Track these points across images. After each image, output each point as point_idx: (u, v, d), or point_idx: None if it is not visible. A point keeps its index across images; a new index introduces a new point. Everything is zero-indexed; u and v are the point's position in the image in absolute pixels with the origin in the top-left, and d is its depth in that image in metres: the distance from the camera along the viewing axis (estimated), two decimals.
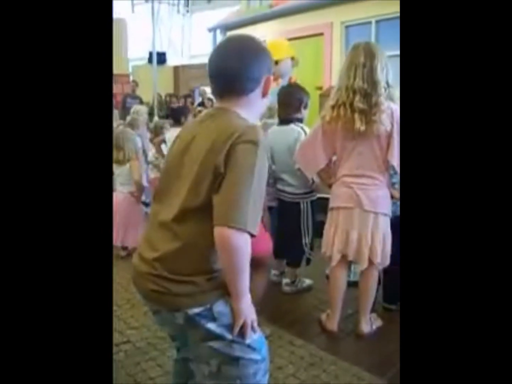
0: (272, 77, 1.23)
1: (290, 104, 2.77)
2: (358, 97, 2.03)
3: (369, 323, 2.36)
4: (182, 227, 1.11)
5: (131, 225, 3.57)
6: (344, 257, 2.27)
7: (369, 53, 2.06)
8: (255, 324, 1.17)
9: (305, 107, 2.81)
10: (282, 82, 3.72)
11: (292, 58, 3.78)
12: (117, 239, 3.60)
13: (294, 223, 2.80)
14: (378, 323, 2.40)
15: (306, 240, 2.81)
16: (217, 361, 1.16)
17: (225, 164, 1.06)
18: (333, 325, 2.39)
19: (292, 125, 2.73)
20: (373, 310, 2.41)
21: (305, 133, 2.64)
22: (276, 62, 3.66)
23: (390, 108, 2.05)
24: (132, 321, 2.55)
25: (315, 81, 5.62)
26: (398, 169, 2.07)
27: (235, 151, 1.06)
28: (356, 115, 2.03)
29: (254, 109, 1.24)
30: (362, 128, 2.03)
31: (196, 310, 1.12)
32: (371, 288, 2.31)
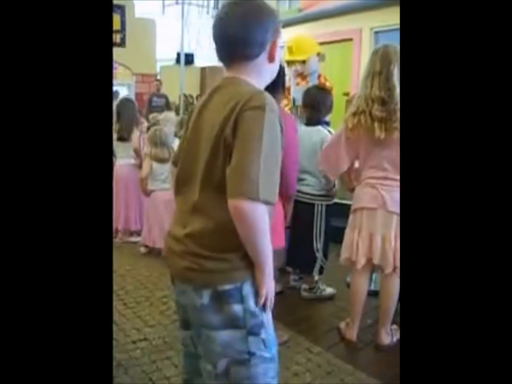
0: (277, 42, 1.18)
1: (320, 107, 2.80)
2: (376, 105, 2.05)
3: (389, 335, 2.31)
4: (210, 204, 1.10)
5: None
6: (367, 263, 2.22)
7: (386, 60, 2.05)
8: (272, 301, 1.16)
9: (330, 111, 2.85)
10: (311, 80, 3.69)
11: (318, 54, 3.75)
12: (156, 240, 3.59)
13: (307, 225, 2.78)
14: (399, 335, 2.34)
15: (317, 245, 2.79)
16: (225, 362, 1.14)
17: (233, 135, 1.04)
18: (352, 334, 2.35)
19: (319, 127, 2.76)
20: (394, 321, 2.35)
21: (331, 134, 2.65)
22: (304, 62, 3.65)
23: None
24: (150, 319, 2.55)
25: (342, 87, 5.57)
26: None
27: (242, 119, 1.03)
28: (376, 124, 2.05)
29: (261, 75, 1.19)
30: (382, 136, 2.05)
31: (227, 287, 1.10)
32: (393, 298, 2.24)
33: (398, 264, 2.13)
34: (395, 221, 2.11)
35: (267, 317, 1.17)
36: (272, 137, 1.04)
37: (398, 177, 2.10)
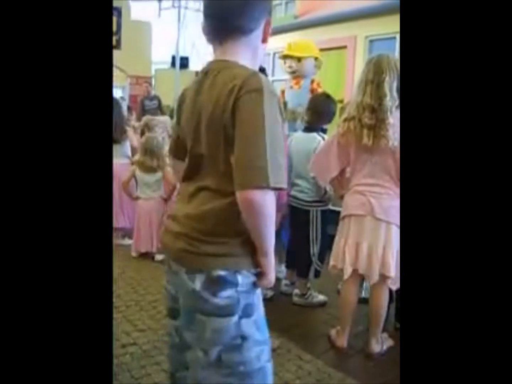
0: (271, 21, 1.17)
1: (323, 115, 2.82)
2: (367, 113, 2.07)
3: (379, 342, 2.31)
4: (213, 189, 1.09)
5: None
6: (355, 271, 2.22)
7: (379, 69, 2.08)
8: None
9: (331, 120, 2.88)
10: (304, 83, 3.71)
11: (316, 59, 3.77)
12: (154, 245, 3.56)
13: (303, 231, 2.81)
14: (389, 343, 2.35)
15: (313, 250, 2.81)
16: (217, 349, 1.12)
17: (233, 122, 1.00)
18: (342, 341, 2.35)
19: (315, 134, 2.78)
20: (384, 329, 2.36)
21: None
22: (299, 59, 3.67)
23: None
24: (140, 324, 2.53)
25: (336, 94, 5.57)
26: None
27: (239, 105, 0.99)
28: (365, 131, 2.07)
29: (255, 53, 1.16)
30: (369, 143, 2.07)
31: (221, 272, 1.08)
32: (382, 306, 2.25)
33: (388, 273, 2.13)
34: (384, 229, 2.12)
35: (258, 297, 1.17)
36: (274, 120, 1.01)
37: (386, 184, 2.12)
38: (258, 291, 1.17)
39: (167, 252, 1.21)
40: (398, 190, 2.10)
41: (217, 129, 1.05)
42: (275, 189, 1.00)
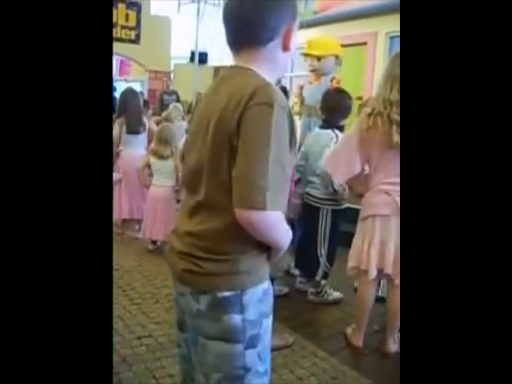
0: (295, 29, 1.11)
1: (337, 110, 2.78)
2: (395, 108, 2.00)
3: (396, 342, 2.28)
4: (215, 204, 1.05)
5: (170, 218, 3.47)
6: (378, 273, 2.17)
7: None
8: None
9: (347, 116, 2.83)
10: (324, 80, 3.67)
11: (337, 57, 3.71)
12: (159, 232, 3.58)
13: (312, 229, 2.76)
14: None
15: (321, 250, 2.76)
16: (218, 376, 1.08)
17: (238, 134, 0.95)
18: (358, 340, 2.33)
19: (329, 131, 2.73)
20: None
21: (337, 139, 2.62)
22: (319, 58, 3.63)
23: None
24: (155, 316, 2.55)
25: (356, 91, 5.54)
26: None
27: (246, 117, 0.95)
28: (394, 128, 1.99)
29: (274, 64, 1.11)
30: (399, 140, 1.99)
31: (227, 293, 1.04)
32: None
33: None
34: None
35: (267, 324, 1.12)
36: (281, 138, 0.96)
37: None
38: (266, 321, 1.11)
39: (173, 272, 1.18)
40: None
41: (222, 138, 1.00)
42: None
